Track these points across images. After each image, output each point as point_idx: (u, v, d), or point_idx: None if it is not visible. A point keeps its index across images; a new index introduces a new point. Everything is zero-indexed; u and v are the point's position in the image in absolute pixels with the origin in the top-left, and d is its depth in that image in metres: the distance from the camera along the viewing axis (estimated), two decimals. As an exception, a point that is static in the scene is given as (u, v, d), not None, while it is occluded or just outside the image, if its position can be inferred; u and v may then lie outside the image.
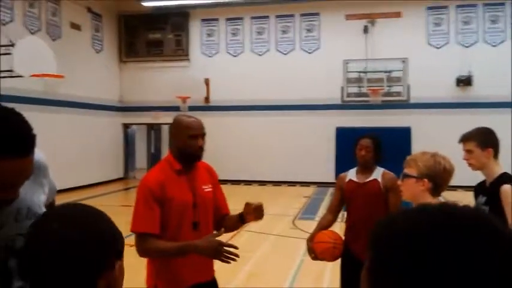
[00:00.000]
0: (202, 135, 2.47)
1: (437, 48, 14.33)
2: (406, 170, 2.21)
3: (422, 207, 0.68)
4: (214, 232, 2.48)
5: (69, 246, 0.86)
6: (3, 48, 9.19)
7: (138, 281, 2.75)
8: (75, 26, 13.96)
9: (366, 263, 0.68)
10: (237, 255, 2.25)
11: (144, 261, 2.51)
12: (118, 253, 0.92)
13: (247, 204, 2.52)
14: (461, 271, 0.57)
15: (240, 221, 2.56)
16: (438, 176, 2.10)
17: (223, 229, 2.51)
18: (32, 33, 11.78)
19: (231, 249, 2.24)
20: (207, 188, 2.55)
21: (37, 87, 10.27)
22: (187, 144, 2.41)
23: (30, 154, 1.16)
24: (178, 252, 2.32)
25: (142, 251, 2.36)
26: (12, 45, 9.11)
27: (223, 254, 2.23)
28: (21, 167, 1.14)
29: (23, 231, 1.27)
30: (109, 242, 0.91)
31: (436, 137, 12.26)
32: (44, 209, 1.50)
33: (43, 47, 9.74)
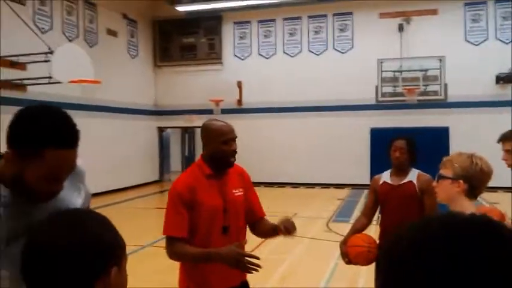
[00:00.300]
0: (234, 139, 2.46)
1: (476, 45, 13.89)
2: (442, 171, 2.13)
3: (452, 215, 0.68)
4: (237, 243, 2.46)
5: (62, 251, 0.86)
6: (43, 55, 9.48)
7: (173, 282, 2.78)
8: (112, 32, 14.31)
9: (387, 259, 0.67)
10: (259, 266, 2.22)
11: (177, 262, 2.54)
12: (115, 259, 0.91)
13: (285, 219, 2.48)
14: (490, 277, 0.59)
15: (274, 232, 2.53)
16: (474, 178, 2.02)
17: (246, 239, 2.48)
18: (70, 40, 12.17)
19: (253, 260, 2.21)
20: (238, 192, 2.53)
21: (74, 93, 10.56)
22: (221, 149, 2.41)
23: (77, 147, 1.32)
24: (203, 258, 2.34)
25: (170, 254, 2.40)
26: (51, 52, 9.39)
27: (244, 264, 2.20)
28: (71, 157, 1.31)
29: None
30: (104, 249, 0.90)
31: (475, 136, 11.89)
32: None
33: (81, 54, 10.00)
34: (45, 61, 9.43)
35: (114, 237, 0.94)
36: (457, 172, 2.05)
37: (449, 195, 2.09)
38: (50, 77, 9.36)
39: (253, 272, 2.23)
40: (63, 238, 0.87)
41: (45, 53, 9.49)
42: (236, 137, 2.49)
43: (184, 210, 2.36)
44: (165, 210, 2.41)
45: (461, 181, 2.03)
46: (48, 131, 1.26)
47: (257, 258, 2.24)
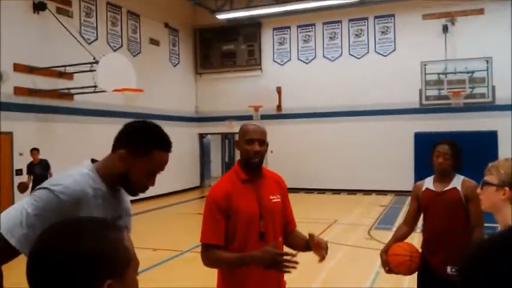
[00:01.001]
0: (260, 140, 2.40)
1: (525, 44, 13.30)
2: (487, 178, 2.02)
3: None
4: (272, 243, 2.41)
5: (51, 261, 0.88)
6: (88, 65, 9.82)
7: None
8: (154, 42, 14.65)
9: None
10: (296, 263, 2.15)
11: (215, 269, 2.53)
12: (111, 273, 0.89)
13: (311, 237, 2.39)
14: None
15: (307, 247, 2.46)
16: (521, 185, 1.90)
17: (280, 239, 2.44)
18: (115, 50, 12.55)
19: (290, 258, 2.15)
20: (275, 199, 2.49)
21: (118, 101, 10.85)
22: (245, 149, 2.39)
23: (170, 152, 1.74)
24: (237, 262, 2.30)
25: (206, 261, 2.38)
26: (96, 62, 9.71)
27: (281, 263, 2.14)
28: (167, 159, 1.73)
29: (128, 224, 1.84)
30: (96, 261, 0.88)
31: (526, 140, 11.34)
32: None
33: (124, 63, 10.29)
34: (91, 71, 9.76)
35: (114, 250, 0.93)
36: (502, 179, 1.94)
37: (494, 203, 1.97)
38: (95, 86, 9.67)
39: (290, 271, 2.17)
40: (57, 248, 0.88)
41: (91, 63, 9.83)
42: (263, 140, 2.43)
43: (221, 217, 2.34)
44: (202, 217, 2.41)
45: (507, 188, 1.92)
46: (157, 137, 1.71)
47: (294, 255, 2.18)
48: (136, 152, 1.67)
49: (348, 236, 8.31)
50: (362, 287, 5.45)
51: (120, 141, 1.71)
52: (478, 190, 2.10)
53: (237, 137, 2.54)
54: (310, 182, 14.78)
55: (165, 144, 1.72)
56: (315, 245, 2.33)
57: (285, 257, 2.15)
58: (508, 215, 1.95)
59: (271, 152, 15.57)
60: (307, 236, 2.42)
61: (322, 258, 2.31)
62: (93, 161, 1.76)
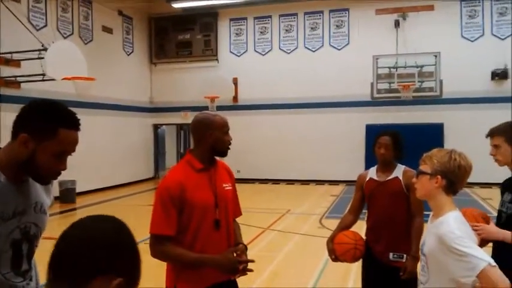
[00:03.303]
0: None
1: (472, 41, 13.90)
2: (421, 167, 2.13)
3: None
4: (232, 248, 2.48)
5: (75, 242, 0.97)
6: (37, 52, 9.45)
7: (159, 282, 2.76)
8: (107, 29, 14.26)
9: None
10: (251, 270, 2.34)
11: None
12: (121, 272, 0.97)
13: (241, 250, 2.45)
14: None
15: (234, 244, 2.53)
16: (452, 173, 2.01)
17: (241, 245, 2.48)
18: (65, 37, 12.13)
19: (247, 266, 2.32)
20: (227, 187, 2.54)
21: (68, 90, 10.52)
22: (224, 139, 2.47)
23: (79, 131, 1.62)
24: (195, 264, 2.32)
25: (155, 253, 2.34)
26: (45, 49, 9.35)
27: (240, 271, 2.30)
28: (76, 138, 1.59)
29: (36, 221, 1.68)
30: (110, 252, 0.97)
31: (469, 133, 11.89)
32: (47, 211, 1.76)
33: (74, 51, 9.96)
34: (39, 58, 9.39)
35: (130, 255, 1.03)
36: (435, 168, 2.04)
37: (428, 190, 2.08)
38: (43, 74, 9.33)
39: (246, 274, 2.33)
40: (85, 230, 0.99)
41: (39, 50, 9.46)
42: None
43: (173, 208, 2.32)
44: (153, 209, 2.38)
45: (439, 177, 2.02)
46: (63, 115, 1.56)
47: (252, 261, 2.32)
48: (40, 134, 1.53)
49: (300, 225, 8.47)
50: (312, 275, 5.58)
51: (20, 124, 1.56)
52: (414, 179, 2.21)
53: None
54: (265, 173, 14.91)
55: (72, 121, 1.58)
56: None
57: (243, 265, 2.26)
58: (441, 202, 2.06)
59: (227, 143, 15.57)
60: (242, 244, 2.49)
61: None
62: None
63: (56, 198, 10.11)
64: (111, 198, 12.06)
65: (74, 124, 1.58)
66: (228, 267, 2.26)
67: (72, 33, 12.67)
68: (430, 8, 14.18)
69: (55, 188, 10.01)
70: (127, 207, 11.29)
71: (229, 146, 2.52)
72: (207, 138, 2.45)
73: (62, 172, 1.61)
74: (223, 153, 2.50)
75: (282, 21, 15.58)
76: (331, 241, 3.33)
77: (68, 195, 11.00)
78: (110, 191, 13.09)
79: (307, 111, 14.95)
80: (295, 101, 15.03)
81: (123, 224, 1.05)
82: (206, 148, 2.46)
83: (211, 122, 2.46)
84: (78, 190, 11.43)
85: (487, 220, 2.62)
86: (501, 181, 2.90)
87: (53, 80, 9.44)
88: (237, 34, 16.00)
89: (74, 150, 1.60)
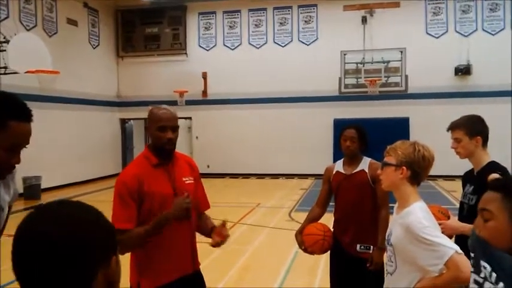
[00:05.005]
0: (173, 127, 2.40)
1: (436, 37, 14.25)
2: (386, 159, 2.17)
3: None
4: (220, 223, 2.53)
5: (65, 246, 0.83)
6: (-2, 45, 9.16)
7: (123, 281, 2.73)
8: (72, 22, 13.92)
9: None
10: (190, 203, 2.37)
11: (126, 258, 2.48)
12: (114, 248, 0.91)
13: (223, 223, 2.52)
14: None
15: (210, 233, 2.54)
16: (416, 164, 2.07)
17: (224, 221, 2.53)
18: (28, 30, 11.77)
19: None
20: (188, 180, 2.51)
21: (32, 84, 10.24)
22: (157, 136, 2.38)
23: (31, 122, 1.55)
24: (152, 229, 2.29)
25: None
26: (7, 41, 9.07)
27: (189, 209, 2.35)
28: (29, 131, 1.52)
29: None
30: (103, 238, 0.88)
31: (434, 127, 12.17)
32: (6, 208, 1.68)
33: (38, 43, 9.69)
34: (1, 51, 9.11)
35: (108, 225, 0.92)
36: (400, 159, 2.10)
37: (393, 181, 2.13)
38: (5, 67, 9.05)
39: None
40: (62, 227, 0.84)
41: (1, 43, 9.17)
42: (177, 126, 2.44)
43: (132, 201, 2.31)
44: (112, 203, 2.36)
45: (404, 168, 2.08)
46: (12, 106, 1.49)
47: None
48: None
49: (270, 218, 8.54)
50: (282, 267, 5.64)
51: None
52: (379, 171, 2.26)
53: None
54: (236, 167, 14.92)
55: (22, 113, 1.50)
56: (218, 231, 2.43)
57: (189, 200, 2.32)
58: (406, 192, 2.12)
59: (197, 137, 15.49)
60: (222, 222, 2.50)
61: (216, 244, 2.46)
62: None
63: (19, 194, 9.81)
64: (77, 194, 11.80)
65: (25, 115, 1.50)
66: (179, 206, 2.30)
67: (36, 26, 12.31)
68: (396, 5, 14.46)
69: (19, 184, 9.73)
70: (94, 203, 10.89)
71: (167, 145, 2.37)
72: (149, 133, 2.44)
73: (29, 168, 1.56)
74: (161, 151, 2.40)
75: (251, 16, 15.57)
76: (299, 233, 3.38)
77: (32, 191, 10.70)
78: (76, 186, 12.82)
79: (276, 106, 15.01)
80: (264, 96, 15.07)
81: (84, 204, 0.96)
82: (151, 144, 2.44)
83: (150, 117, 2.41)
84: (43, 186, 11.14)
85: (446, 215, 2.69)
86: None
87: (15, 73, 9.16)
88: (206, 28, 15.89)
89: (27, 143, 1.54)
